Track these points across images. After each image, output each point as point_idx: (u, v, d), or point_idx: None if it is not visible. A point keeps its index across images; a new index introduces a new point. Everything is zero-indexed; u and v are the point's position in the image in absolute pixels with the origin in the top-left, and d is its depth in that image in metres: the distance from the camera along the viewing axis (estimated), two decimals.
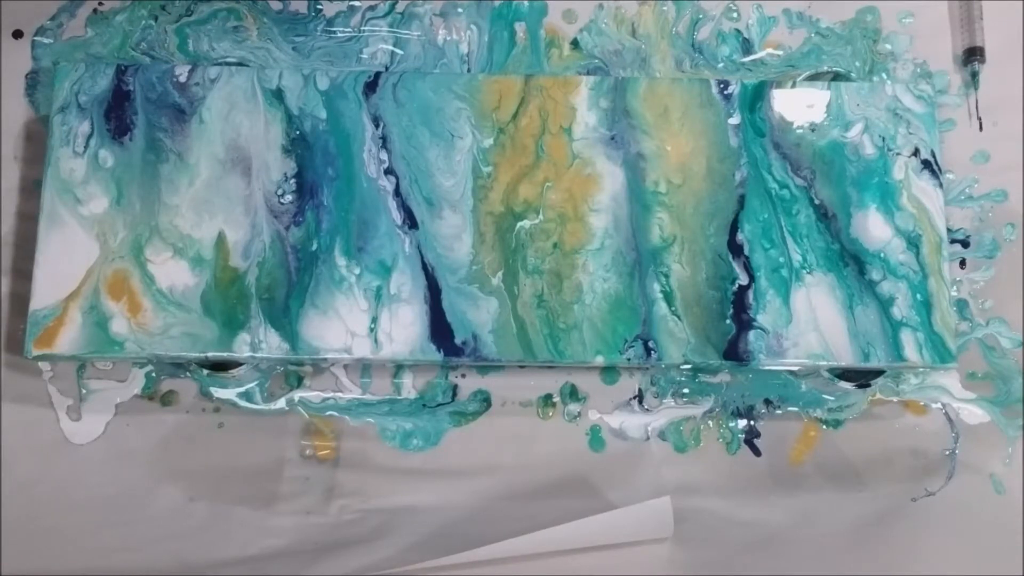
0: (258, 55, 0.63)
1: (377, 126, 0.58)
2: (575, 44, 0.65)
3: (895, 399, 0.61)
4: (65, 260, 0.55)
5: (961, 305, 0.62)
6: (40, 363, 0.59)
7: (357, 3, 0.64)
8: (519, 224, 0.57)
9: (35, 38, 0.63)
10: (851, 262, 0.57)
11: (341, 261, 0.56)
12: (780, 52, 0.65)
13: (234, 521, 0.57)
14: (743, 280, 0.57)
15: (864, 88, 0.60)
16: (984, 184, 0.63)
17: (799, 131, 0.59)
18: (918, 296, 0.57)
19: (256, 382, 0.59)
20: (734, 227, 0.58)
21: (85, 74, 0.58)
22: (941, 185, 0.59)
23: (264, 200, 0.57)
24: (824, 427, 0.60)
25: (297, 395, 0.60)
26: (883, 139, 0.59)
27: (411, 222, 0.57)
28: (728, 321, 0.56)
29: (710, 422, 0.60)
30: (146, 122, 0.58)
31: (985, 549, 0.58)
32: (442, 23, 0.64)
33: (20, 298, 0.58)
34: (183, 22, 0.63)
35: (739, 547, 0.58)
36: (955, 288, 0.62)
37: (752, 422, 0.60)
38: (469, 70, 0.64)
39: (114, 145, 0.57)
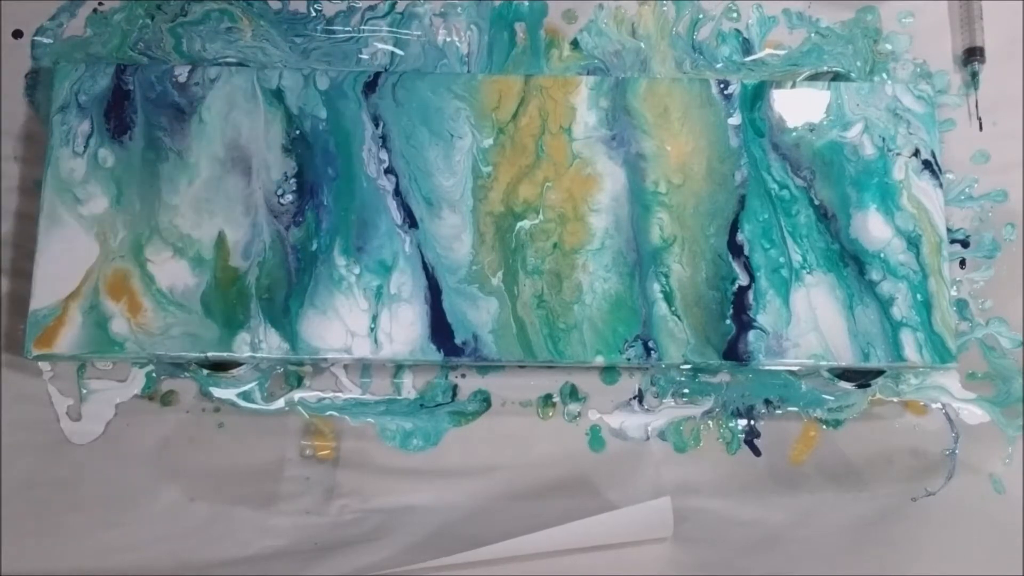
0: (250, 55, 0.63)
1: (377, 125, 0.58)
2: (575, 44, 0.65)
3: (895, 399, 0.61)
4: (65, 260, 0.55)
5: (961, 305, 0.62)
6: (40, 363, 0.59)
7: (357, 3, 0.64)
8: (519, 224, 0.57)
9: (35, 38, 0.63)
10: (851, 262, 0.57)
11: (341, 261, 0.56)
12: (780, 52, 0.65)
13: (234, 521, 0.57)
14: (743, 280, 0.57)
15: (864, 88, 0.60)
16: (984, 184, 0.63)
17: (799, 131, 0.59)
18: (918, 296, 0.57)
19: (256, 382, 0.59)
20: (734, 227, 0.58)
21: (85, 74, 0.58)
22: (941, 185, 0.59)
23: (264, 200, 0.57)
24: (824, 427, 0.60)
25: (297, 395, 0.60)
26: (883, 139, 0.59)
27: (411, 221, 0.57)
28: (728, 321, 0.56)
29: (710, 422, 0.60)
30: (146, 122, 0.58)
31: (985, 549, 0.58)
32: (442, 23, 0.64)
33: (20, 298, 0.58)
34: (178, 22, 0.63)
35: (739, 547, 0.58)
36: (955, 288, 0.62)
37: (752, 422, 0.60)
38: (469, 70, 0.64)
39: (114, 145, 0.57)
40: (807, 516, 0.58)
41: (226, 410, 0.59)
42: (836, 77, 0.63)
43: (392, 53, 0.64)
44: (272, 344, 0.55)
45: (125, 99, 0.58)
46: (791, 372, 0.61)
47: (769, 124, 0.59)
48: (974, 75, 0.64)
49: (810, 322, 0.56)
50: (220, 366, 0.58)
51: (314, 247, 0.56)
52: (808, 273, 0.57)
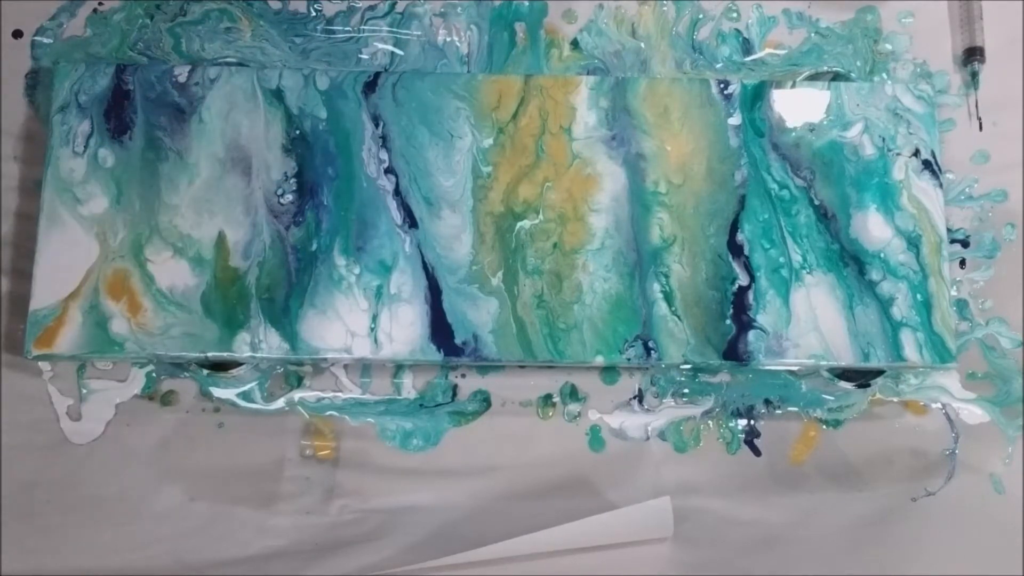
0: (249, 55, 0.63)
1: (377, 125, 0.58)
2: (575, 44, 0.65)
3: (895, 399, 0.61)
4: (65, 260, 0.55)
5: (961, 305, 0.62)
6: (40, 363, 0.59)
7: (357, 3, 0.64)
8: (519, 224, 0.57)
9: (35, 38, 0.63)
10: (851, 262, 0.57)
11: (341, 261, 0.56)
12: (780, 52, 0.65)
13: (234, 521, 0.57)
14: (743, 280, 0.57)
15: (864, 88, 0.60)
16: (984, 184, 0.63)
17: (799, 131, 0.59)
18: (918, 296, 0.57)
19: (256, 382, 0.59)
20: (734, 227, 0.58)
21: (85, 74, 0.58)
22: (941, 185, 0.59)
23: (264, 200, 0.57)
24: (824, 427, 0.60)
25: (297, 395, 0.60)
26: (883, 139, 0.59)
27: (411, 221, 0.57)
28: (728, 321, 0.56)
29: (710, 422, 0.60)
30: (146, 122, 0.58)
31: (985, 549, 0.58)
32: (442, 23, 0.64)
33: (20, 298, 0.58)
34: (177, 22, 0.63)
35: (739, 547, 0.58)
36: (955, 288, 0.62)
37: (752, 422, 0.60)
38: (469, 70, 0.64)
39: (114, 144, 0.57)
40: (807, 516, 0.58)
41: (226, 410, 0.59)
42: (836, 77, 0.63)
43: (392, 53, 0.64)
44: (272, 344, 0.55)
45: (125, 99, 0.58)
46: (791, 372, 0.61)
47: (769, 124, 0.59)
48: (974, 75, 0.64)
49: (810, 322, 0.56)
50: (220, 366, 0.58)
51: (314, 247, 0.56)
52: (808, 273, 0.57)
